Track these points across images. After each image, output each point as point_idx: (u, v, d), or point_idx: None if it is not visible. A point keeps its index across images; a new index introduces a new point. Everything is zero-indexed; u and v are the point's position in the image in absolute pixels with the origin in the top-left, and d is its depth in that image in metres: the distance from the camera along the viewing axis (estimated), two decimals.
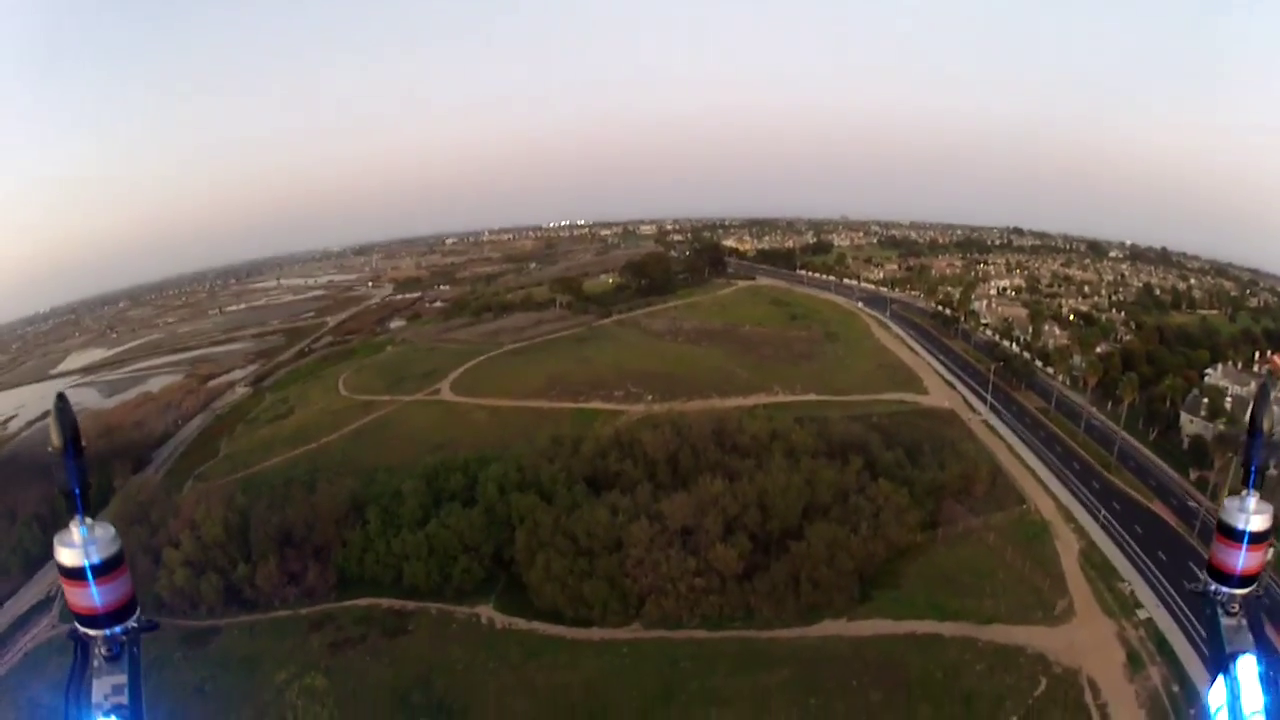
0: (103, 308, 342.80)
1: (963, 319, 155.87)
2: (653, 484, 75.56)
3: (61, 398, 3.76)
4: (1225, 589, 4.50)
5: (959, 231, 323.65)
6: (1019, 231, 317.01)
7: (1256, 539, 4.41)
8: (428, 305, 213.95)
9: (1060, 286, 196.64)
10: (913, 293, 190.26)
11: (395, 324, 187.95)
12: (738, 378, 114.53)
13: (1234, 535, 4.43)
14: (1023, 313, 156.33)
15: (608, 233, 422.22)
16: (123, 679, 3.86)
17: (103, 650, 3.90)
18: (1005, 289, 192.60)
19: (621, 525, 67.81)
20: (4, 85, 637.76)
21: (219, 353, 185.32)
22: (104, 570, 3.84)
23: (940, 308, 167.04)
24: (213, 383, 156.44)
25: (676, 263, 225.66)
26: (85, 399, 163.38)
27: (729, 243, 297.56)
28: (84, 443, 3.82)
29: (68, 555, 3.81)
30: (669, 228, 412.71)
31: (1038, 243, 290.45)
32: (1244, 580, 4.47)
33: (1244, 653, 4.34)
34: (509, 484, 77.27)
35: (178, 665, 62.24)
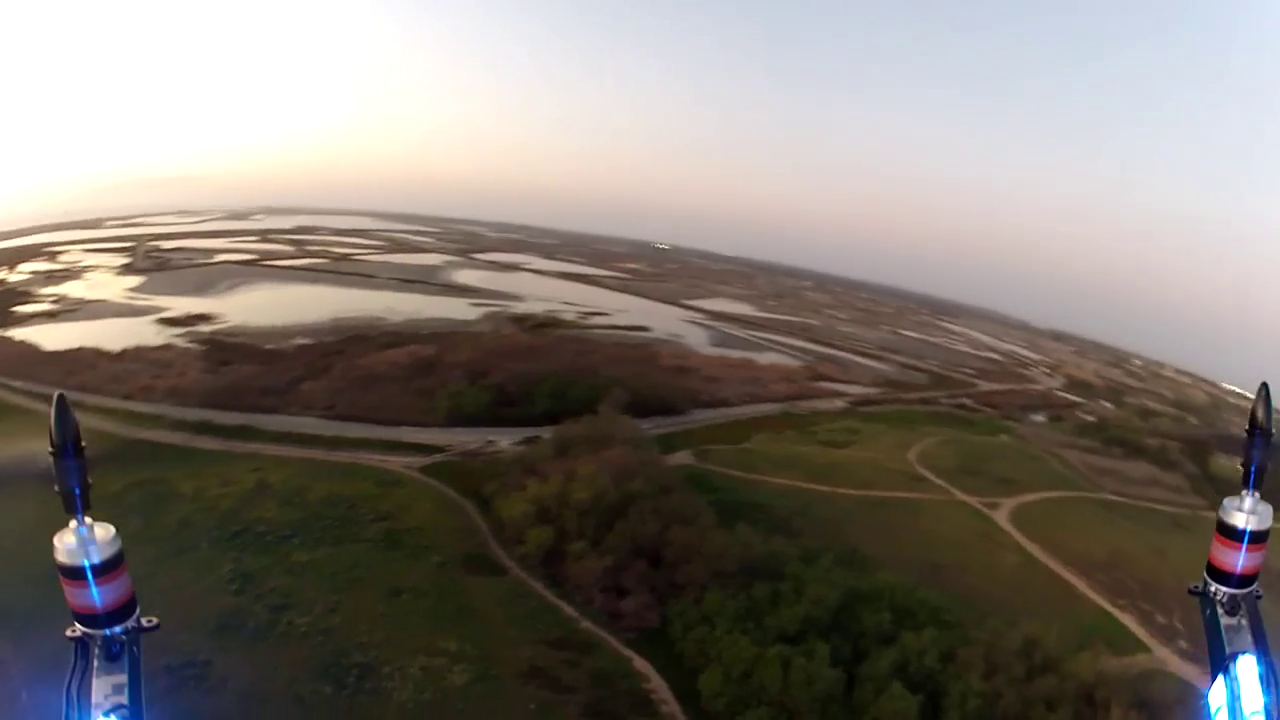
0: (780, 276, 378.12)
1: None
2: None
3: (61, 400, 4.32)
4: (1225, 589, 5.30)
5: None
6: None
7: (1256, 539, 5.22)
8: (1080, 415, 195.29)
9: None
10: None
11: (1036, 417, 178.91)
12: None
13: (1233, 535, 5.25)
14: None
15: None
16: (123, 679, 4.46)
17: (103, 650, 4.48)
18: None
19: None
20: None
21: (854, 362, 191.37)
22: (104, 570, 4.41)
23: None
24: (821, 384, 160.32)
25: None
26: (689, 336, 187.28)
27: None
28: (84, 444, 4.37)
29: (67, 555, 4.37)
30: None
31: None
32: (1243, 580, 5.28)
33: (1244, 653, 5.14)
34: (917, 669, 59.46)
35: (431, 569, 70.08)
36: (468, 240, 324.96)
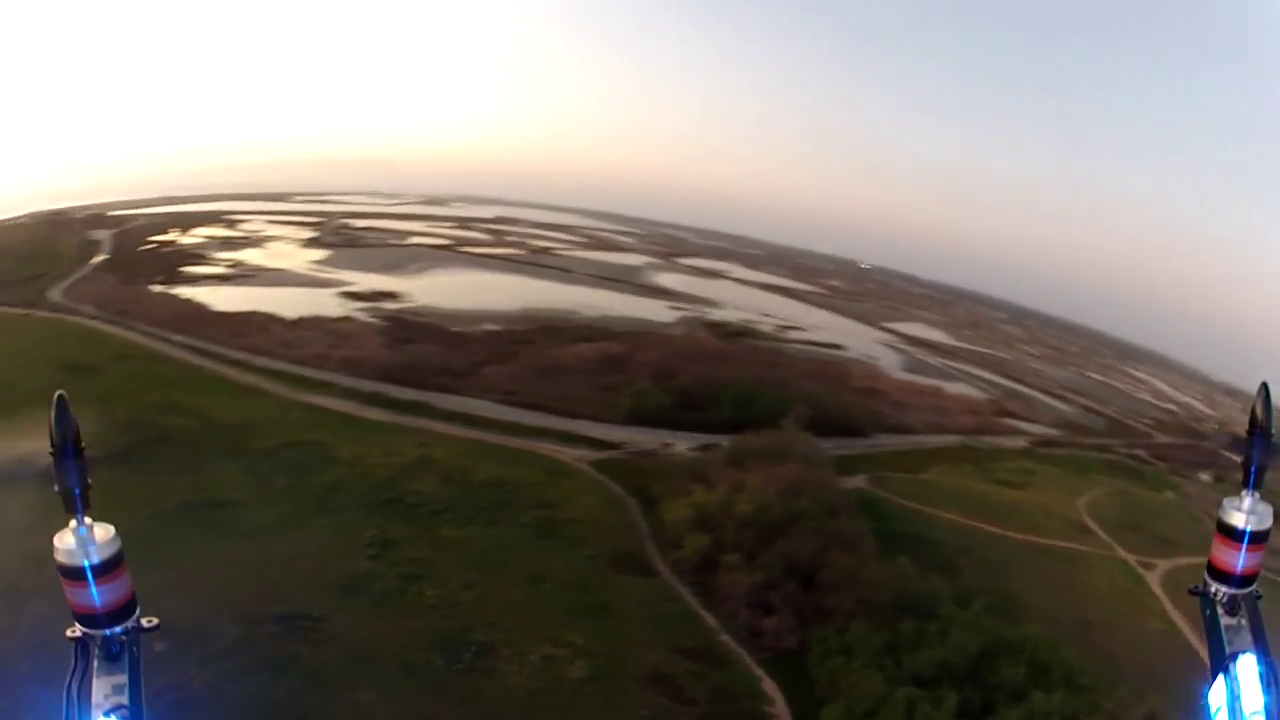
0: (978, 305, 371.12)
1: None
2: None
3: (61, 400, 4.52)
4: (1225, 589, 5.56)
5: None
6: None
7: (1256, 539, 5.47)
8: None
9: None
10: None
11: (1203, 475, 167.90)
12: None
13: (1234, 535, 5.49)
14: None
15: None
16: (123, 679, 4.62)
17: (102, 650, 4.65)
18: None
19: None
20: None
21: (1039, 400, 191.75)
22: (103, 570, 4.59)
23: None
24: (1005, 420, 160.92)
25: None
26: (883, 358, 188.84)
27: None
28: (84, 444, 4.59)
29: (66, 555, 4.54)
30: None
31: None
32: (1243, 580, 5.54)
33: (1244, 653, 5.36)
34: None
35: (580, 562, 72.17)
36: (671, 244, 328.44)
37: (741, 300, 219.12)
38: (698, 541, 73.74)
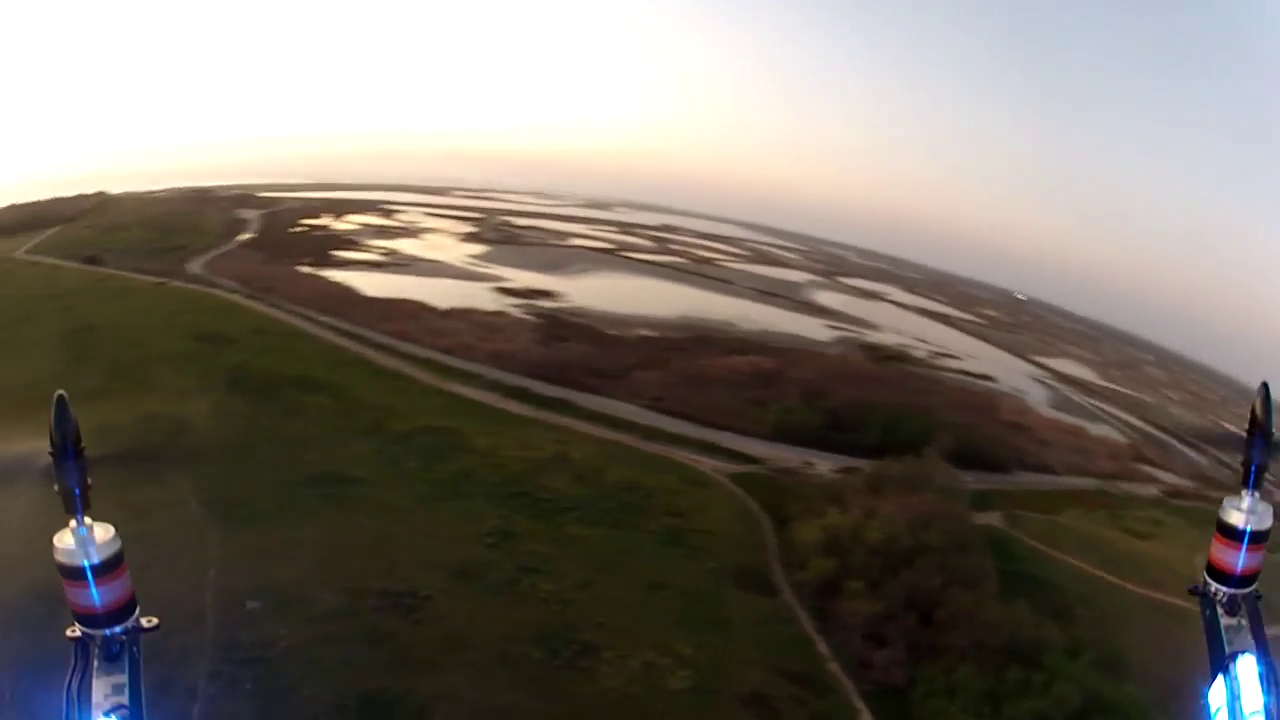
0: (1126, 345, 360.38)
1: None
2: None
3: (61, 400, 4.52)
4: (1225, 589, 5.65)
5: None
6: None
7: (1256, 539, 5.59)
8: None
9: None
10: None
11: None
12: None
13: (1234, 535, 5.61)
14: None
15: None
16: (123, 679, 4.70)
17: (102, 650, 4.73)
18: None
19: None
20: None
21: (1176, 448, 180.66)
22: (103, 570, 4.67)
23: None
24: (1142, 466, 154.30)
25: None
26: (1031, 393, 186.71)
27: None
28: (83, 445, 4.61)
29: (66, 555, 4.62)
30: None
31: None
32: (1243, 580, 5.63)
33: (1244, 653, 5.44)
34: None
35: (702, 573, 71.81)
36: (832, 263, 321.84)
37: (898, 324, 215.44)
38: (824, 565, 72.97)
